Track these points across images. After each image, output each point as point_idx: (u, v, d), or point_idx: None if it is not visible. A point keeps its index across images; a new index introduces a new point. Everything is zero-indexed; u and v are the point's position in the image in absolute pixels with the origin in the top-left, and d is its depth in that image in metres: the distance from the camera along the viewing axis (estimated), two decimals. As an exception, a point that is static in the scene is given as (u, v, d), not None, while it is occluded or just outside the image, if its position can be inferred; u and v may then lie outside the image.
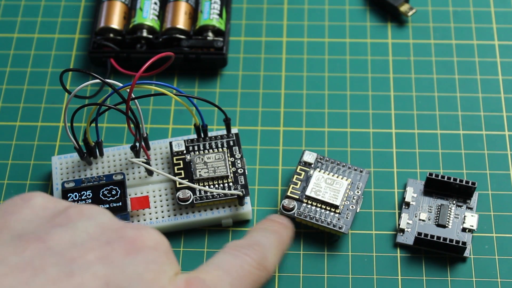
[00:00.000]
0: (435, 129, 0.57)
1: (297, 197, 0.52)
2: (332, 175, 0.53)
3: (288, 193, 0.52)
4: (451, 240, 0.51)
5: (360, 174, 0.54)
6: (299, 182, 0.53)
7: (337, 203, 0.52)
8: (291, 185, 0.53)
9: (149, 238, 0.38)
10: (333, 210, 0.52)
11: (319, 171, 0.53)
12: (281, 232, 0.47)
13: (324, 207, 0.52)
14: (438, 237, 0.51)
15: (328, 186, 0.53)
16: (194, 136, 0.55)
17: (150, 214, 0.52)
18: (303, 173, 0.53)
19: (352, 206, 0.52)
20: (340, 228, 0.51)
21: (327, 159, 0.54)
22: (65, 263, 0.35)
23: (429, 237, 0.51)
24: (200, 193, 0.52)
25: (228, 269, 0.41)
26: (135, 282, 0.36)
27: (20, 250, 0.35)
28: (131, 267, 0.36)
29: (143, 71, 0.49)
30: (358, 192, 0.53)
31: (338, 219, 0.52)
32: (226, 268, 0.41)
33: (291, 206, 0.52)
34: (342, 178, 0.53)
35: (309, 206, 0.52)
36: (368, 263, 0.52)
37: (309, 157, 0.54)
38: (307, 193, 0.52)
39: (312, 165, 0.54)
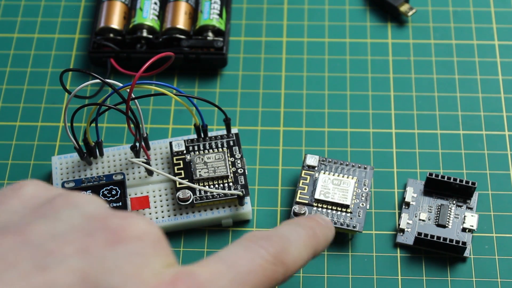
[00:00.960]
0: (435, 129, 0.57)
1: (307, 201, 0.52)
2: (338, 175, 0.53)
3: (297, 199, 0.52)
4: (451, 240, 0.51)
5: (364, 171, 0.54)
6: (306, 187, 0.53)
7: (348, 202, 0.52)
8: (299, 191, 0.53)
9: (135, 228, 0.35)
10: (344, 210, 0.52)
11: (324, 173, 0.53)
12: (315, 229, 0.43)
13: (335, 208, 0.52)
14: (438, 237, 0.51)
15: (336, 186, 0.53)
16: (194, 136, 0.55)
17: (150, 214, 0.52)
18: (308, 177, 0.53)
19: (363, 204, 0.52)
20: (354, 227, 0.51)
21: (330, 160, 0.54)
22: (40, 257, 0.33)
23: (429, 237, 0.51)
24: (200, 193, 0.52)
25: (234, 262, 0.37)
26: (114, 276, 0.33)
27: None
28: (111, 260, 0.34)
29: (143, 71, 0.49)
30: (365, 189, 0.53)
31: (351, 218, 0.52)
32: (231, 261, 0.37)
33: (302, 212, 0.52)
34: (348, 177, 0.53)
35: (319, 209, 0.52)
36: (368, 263, 0.52)
37: (312, 160, 0.54)
38: (316, 196, 0.52)
39: (316, 168, 0.54)
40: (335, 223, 0.51)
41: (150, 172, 0.54)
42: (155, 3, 0.61)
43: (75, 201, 0.37)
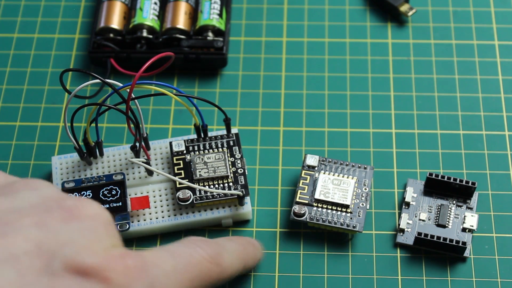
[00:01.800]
0: (435, 129, 0.57)
1: (307, 201, 0.52)
2: (338, 175, 0.53)
3: (297, 199, 0.52)
4: (451, 240, 0.51)
5: (364, 171, 0.54)
6: (306, 187, 0.53)
7: (348, 202, 0.52)
8: (299, 191, 0.53)
9: (88, 208, 0.38)
10: (344, 210, 0.52)
11: (324, 173, 0.53)
12: (246, 247, 0.48)
13: (335, 208, 0.52)
14: (438, 237, 0.51)
15: (336, 186, 0.53)
16: (194, 136, 0.55)
17: (150, 214, 0.52)
18: (308, 177, 0.53)
19: (363, 204, 0.52)
20: (354, 227, 0.51)
21: (330, 160, 0.54)
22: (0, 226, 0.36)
23: (429, 237, 0.51)
24: (200, 193, 0.52)
25: (176, 253, 0.41)
26: (67, 247, 0.36)
27: None
28: (66, 233, 0.37)
29: (143, 71, 0.49)
30: (365, 189, 0.53)
31: (351, 218, 0.52)
32: (173, 252, 0.41)
33: (302, 212, 0.52)
34: (348, 177, 0.53)
35: (320, 209, 0.52)
36: (368, 263, 0.52)
37: (312, 160, 0.54)
38: (316, 196, 0.52)
39: (316, 168, 0.54)
40: (335, 223, 0.51)
41: (150, 172, 0.54)
42: (155, 3, 0.61)
43: (33, 184, 0.40)
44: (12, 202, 0.38)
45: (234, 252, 0.45)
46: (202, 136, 0.54)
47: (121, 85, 0.50)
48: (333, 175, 0.53)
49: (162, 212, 0.52)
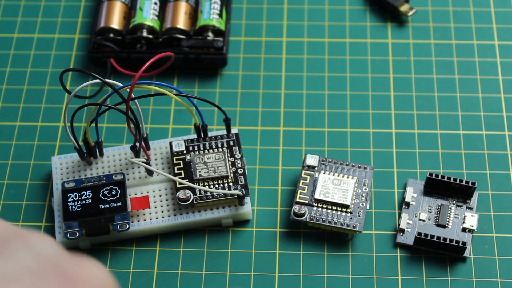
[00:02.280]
0: (435, 129, 0.57)
1: (307, 201, 0.52)
2: (338, 175, 0.53)
3: (297, 199, 0.52)
4: (451, 240, 0.51)
5: (364, 171, 0.54)
6: (306, 187, 0.53)
7: (348, 202, 0.52)
8: (299, 191, 0.53)
9: (87, 272, 0.36)
10: (344, 210, 0.52)
11: (324, 173, 0.53)
12: None
13: (335, 208, 0.52)
14: (438, 237, 0.51)
15: (336, 186, 0.53)
16: (194, 136, 0.55)
17: (150, 214, 0.52)
18: (308, 177, 0.53)
19: (362, 204, 0.52)
20: (354, 227, 0.51)
21: (330, 160, 0.54)
22: None
23: (429, 237, 0.51)
24: (200, 193, 0.52)
25: None
26: None
27: None
28: None
29: (143, 71, 0.49)
30: (365, 189, 0.53)
31: (351, 218, 0.52)
32: None
33: (302, 212, 0.52)
34: (348, 177, 0.53)
35: (319, 209, 0.52)
36: (368, 263, 0.52)
37: (312, 160, 0.54)
38: (316, 196, 0.52)
39: (316, 168, 0.54)
40: (335, 223, 0.51)
41: (150, 172, 0.54)
42: (155, 3, 0.61)
43: (29, 241, 0.37)
44: (5, 265, 0.35)
45: None
46: (202, 136, 0.54)
47: (121, 85, 0.50)
48: (333, 175, 0.53)
49: (162, 212, 0.52)
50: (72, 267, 0.36)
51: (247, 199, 0.53)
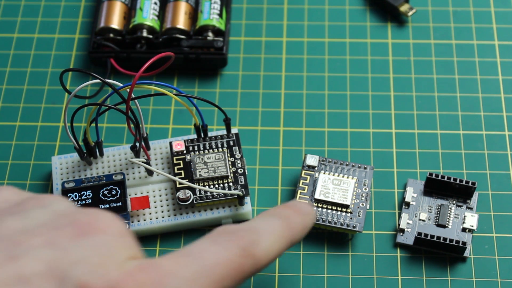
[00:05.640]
0: (435, 129, 0.57)
1: (307, 201, 0.52)
2: (338, 175, 0.53)
3: (297, 199, 0.52)
4: (451, 240, 0.51)
5: (364, 171, 0.54)
6: (306, 187, 0.53)
7: (348, 202, 0.52)
8: (299, 191, 0.53)
9: (101, 221, 0.37)
10: (344, 210, 0.52)
11: (324, 173, 0.53)
12: (292, 218, 0.42)
13: (335, 208, 0.52)
14: (438, 237, 0.51)
15: (336, 186, 0.53)
16: (194, 136, 0.55)
17: (150, 214, 0.52)
18: (308, 177, 0.53)
19: (363, 204, 0.52)
20: (354, 227, 0.51)
21: (330, 160, 0.54)
22: (10, 248, 0.35)
23: (429, 237, 0.51)
24: (200, 193, 0.52)
25: (199, 255, 0.37)
26: (79, 266, 0.35)
27: None
28: (77, 251, 0.35)
29: (143, 71, 0.49)
30: (365, 189, 0.53)
31: (351, 218, 0.52)
32: (197, 254, 0.37)
33: None
34: (348, 177, 0.53)
35: (319, 209, 0.52)
36: (368, 263, 0.52)
37: (312, 160, 0.54)
38: (316, 196, 0.52)
39: (316, 168, 0.54)
40: (335, 223, 0.51)
41: (150, 172, 0.54)
42: (155, 3, 0.61)
43: (44, 201, 0.39)
44: (22, 222, 0.37)
45: (274, 235, 0.40)
46: (202, 136, 0.54)
47: (121, 85, 0.50)
48: (333, 175, 0.53)
49: (162, 212, 0.53)
50: (86, 218, 0.37)
51: (247, 199, 0.53)
